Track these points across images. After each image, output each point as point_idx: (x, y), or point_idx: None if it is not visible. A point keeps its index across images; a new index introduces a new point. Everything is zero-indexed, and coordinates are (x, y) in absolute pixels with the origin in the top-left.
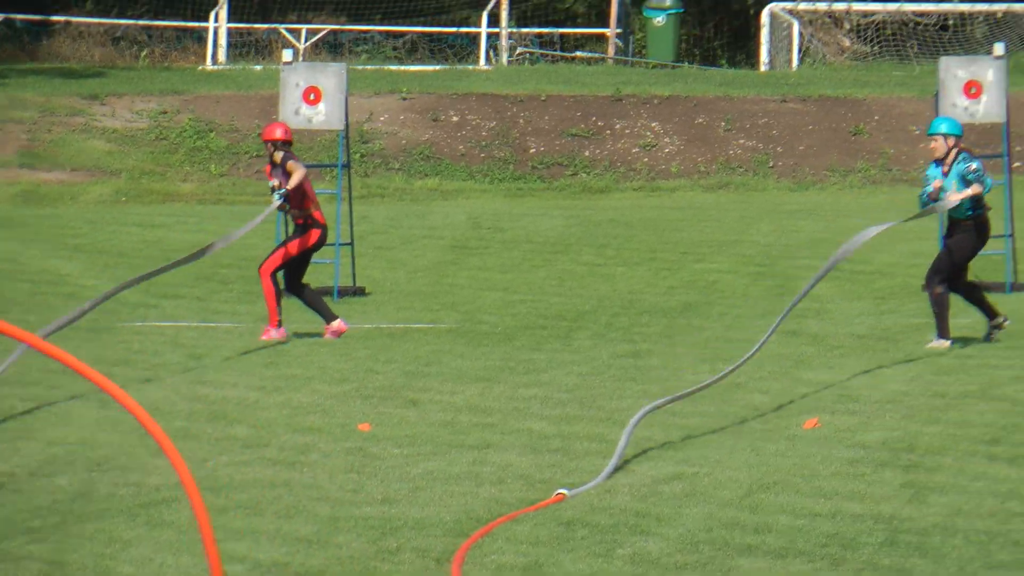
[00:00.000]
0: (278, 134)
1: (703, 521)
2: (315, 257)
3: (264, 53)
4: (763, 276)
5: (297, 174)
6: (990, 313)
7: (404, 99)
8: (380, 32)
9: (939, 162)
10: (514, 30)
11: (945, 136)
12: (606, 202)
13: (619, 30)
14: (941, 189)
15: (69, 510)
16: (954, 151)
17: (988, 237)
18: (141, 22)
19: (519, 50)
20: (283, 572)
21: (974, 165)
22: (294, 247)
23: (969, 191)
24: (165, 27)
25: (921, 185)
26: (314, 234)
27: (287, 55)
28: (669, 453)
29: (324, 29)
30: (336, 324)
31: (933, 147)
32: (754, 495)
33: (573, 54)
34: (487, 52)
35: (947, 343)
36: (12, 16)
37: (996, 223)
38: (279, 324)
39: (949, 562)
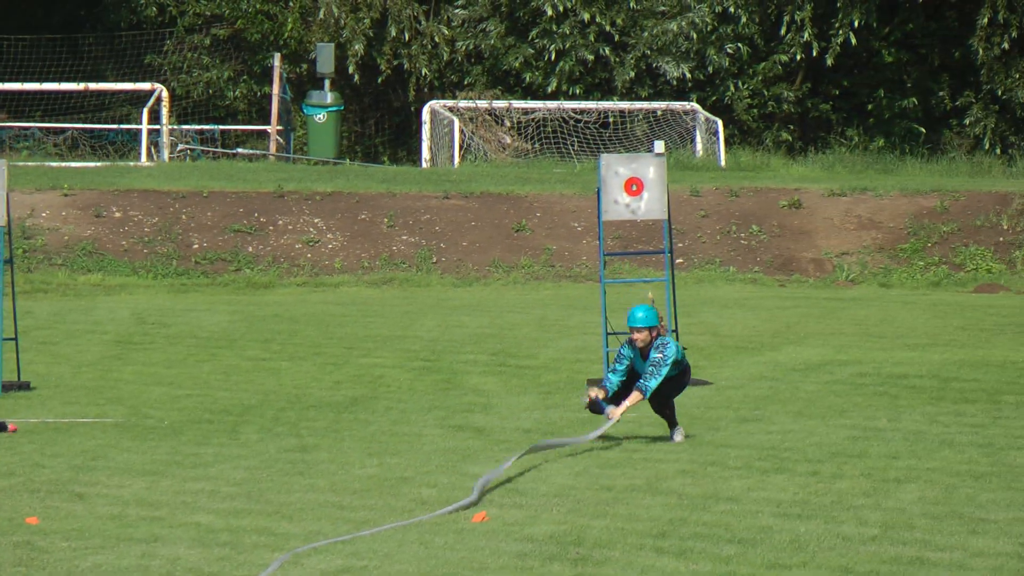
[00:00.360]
0: None
1: None
2: None
3: None
4: (429, 370)
5: None
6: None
7: (66, 195)
8: (40, 128)
9: (634, 344)
10: (175, 127)
11: (648, 328)
12: (270, 297)
13: (280, 127)
14: (597, 400)
15: None
16: (654, 336)
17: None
18: None
19: (180, 147)
20: None
21: (660, 355)
22: None
23: (627, 403)
24: None
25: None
26: None
27: None
28: (339, 546)
29: None
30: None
31: (636, 338)
32: None
33: (234, 151)
34: (148, 148)
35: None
36: None
37: None
38: None
39: None
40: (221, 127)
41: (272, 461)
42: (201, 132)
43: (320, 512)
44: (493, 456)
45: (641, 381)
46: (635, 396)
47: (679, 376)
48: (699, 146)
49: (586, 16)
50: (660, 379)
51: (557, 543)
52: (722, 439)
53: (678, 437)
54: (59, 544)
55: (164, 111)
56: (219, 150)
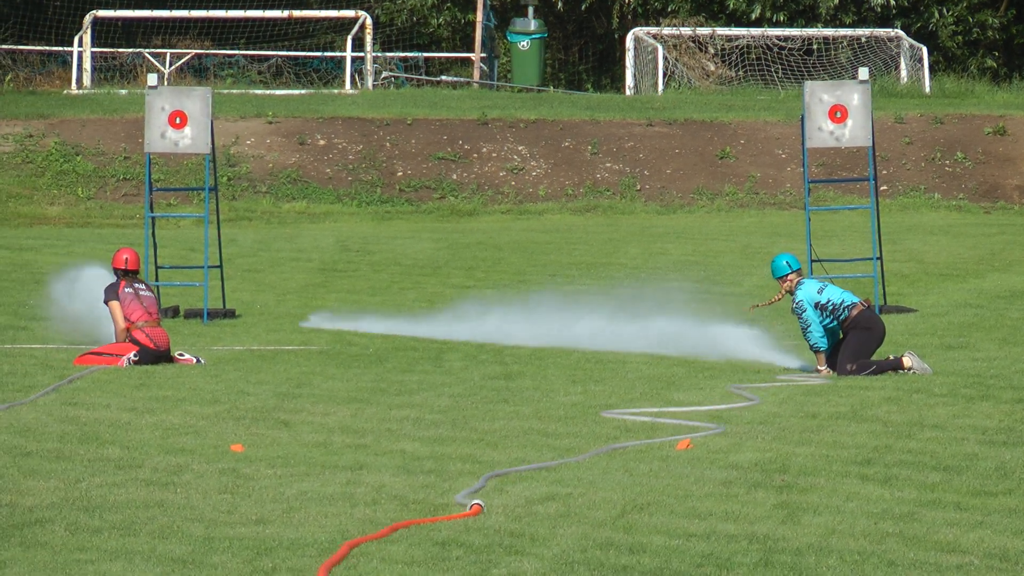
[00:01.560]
0: (119, 262)
1: (578, 542)
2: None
3: (129, 77)
4: (633, 298)
5: (115, 325)
6: (893, 367)
7: (270, 123)
8: (245, 56)
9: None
10: (379, 55)
11: (787, 277)
12: (474, 225)
13: (484, 55)
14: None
15: None
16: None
17: (878, 332)
18: (5, 46)
19: (384, 74)
20: None
21: (792, 306)
22: (109, 348)
23: (819, 366)
24: (29, 51)
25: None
26: (129, 348)
27: (152, 79)
28: (543, 474)
29: (189, 53)
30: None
31: (787, 287)
32: (628, 516)
33: (438, 78)
34: (352, 76)
35: (910, 360)
36: None
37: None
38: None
39: None
40: (425, 54)
41: (476, 388)
42: (405, 60)
43: (524, 439)
44: (696, 384)
45: (800, 320)
46: (818, 357)
47: (854, 332)
48: (904, 73)
49: None
50: (809, 327)
51: (762, 470)
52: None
53: (909, 360)
54: (264, 471)
55: (368, 38)
56: (423, 77)
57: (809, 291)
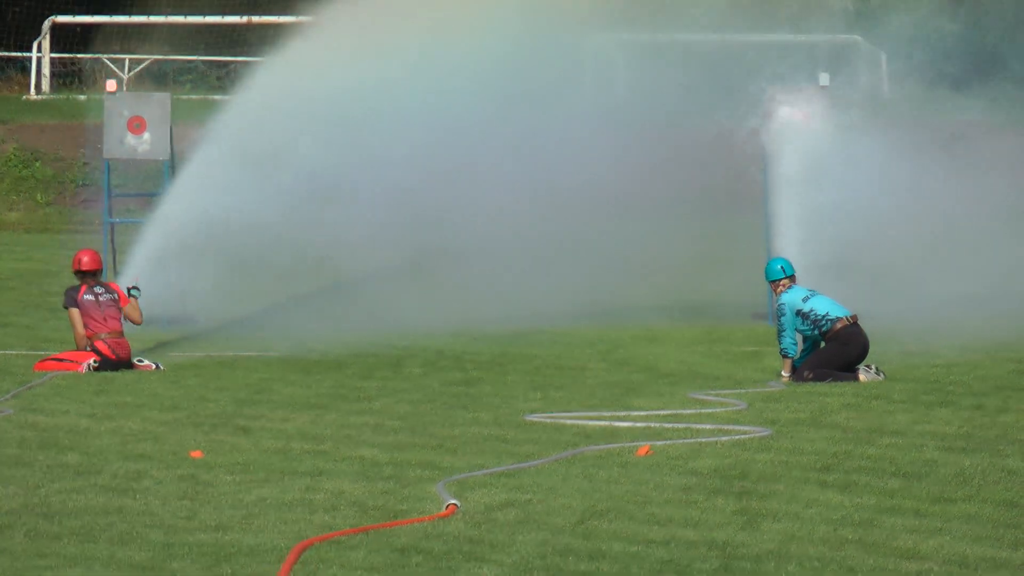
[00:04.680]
0: (76, 263)
1: (537, 548)
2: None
3: (88, 83)
4: (593, 304)
5: (74, 331)
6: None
7: None
8: (204, 62)
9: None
10: None
11: (780, 282)
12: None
13: None
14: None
15: None
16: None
17: (855, 348)
18: None
19: None
20: None
21: (776, 306)
22: (70, 355)
23: (784, 368)
24: None
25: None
26: (90, 355)
27: (111, 85)
28: (502, 480)
29: (148, 59)
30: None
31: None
32: (588, 522)
33: None
34: None
35: (865, 376)
36: None
37: None
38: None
39: None
40: None
41: (436, 395)
42: None
43: (483, 445)
44: (657, 390)
45: (778, 325)
46: (784, 362)
47: (830, 343)
48: (862, 78)
49: None
50: (783, 332)
51: (721, 476)
52: (887, 372)
53: (864, 378)
54: (224, 477)
55: None
56: None
57: (794, 297)
